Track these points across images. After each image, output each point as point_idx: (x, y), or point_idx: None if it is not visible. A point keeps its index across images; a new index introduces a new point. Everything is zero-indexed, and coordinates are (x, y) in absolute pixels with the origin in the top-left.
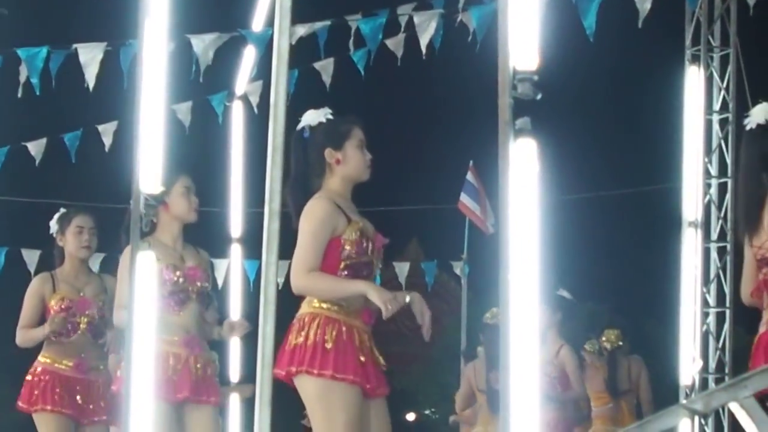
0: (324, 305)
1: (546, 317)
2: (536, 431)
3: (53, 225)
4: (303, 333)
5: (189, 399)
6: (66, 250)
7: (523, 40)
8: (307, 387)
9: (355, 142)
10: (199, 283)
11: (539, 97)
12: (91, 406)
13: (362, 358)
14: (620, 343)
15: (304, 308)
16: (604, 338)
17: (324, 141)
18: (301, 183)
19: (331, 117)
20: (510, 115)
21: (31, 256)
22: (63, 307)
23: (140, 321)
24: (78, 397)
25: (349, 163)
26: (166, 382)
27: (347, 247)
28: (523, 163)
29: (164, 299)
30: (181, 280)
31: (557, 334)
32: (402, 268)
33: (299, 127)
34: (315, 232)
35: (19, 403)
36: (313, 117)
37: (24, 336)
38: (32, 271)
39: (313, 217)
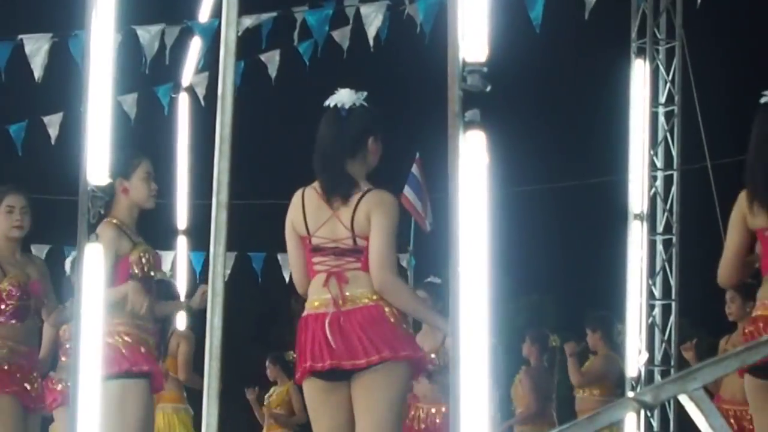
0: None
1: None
2: (486, 424)
3: None
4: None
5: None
6: None
7: (472, 32)
8: (399, 372)
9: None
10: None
11: (488, 89)
12: (37, 395)
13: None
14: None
15: (366, 299)
16: (618, 333)
17: (368, 127)
18: (337, 161)
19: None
20: (459, 107)
21: None
22: (17, 287)
23: (88, 314)
24: (27, 385)
25: (374, 157)
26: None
27: None
28: (473, 155)
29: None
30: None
31: None
32: None
33: (331, 104)
34: (395, 229)
35: None
36: (349, 97)
37: None
38: None
39: (393, 213)
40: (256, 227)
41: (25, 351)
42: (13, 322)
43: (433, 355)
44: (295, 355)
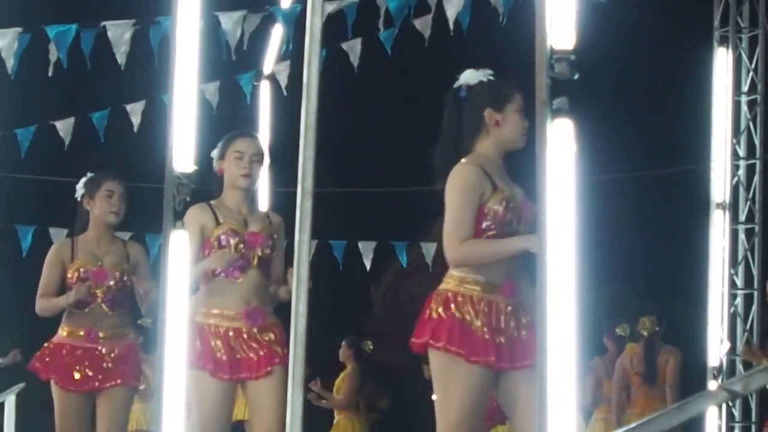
0: (466, 285)
1: None
2: (573, 412)
3: (80, 188)
4: (441, 308)
5: (249, 378)
6: (92, 215)
7: (560, 20)
8: (433, 360)
9: (515, 106)
10: (259, 250)
11: (576, 76)
12: (100, 376)
13: (486, 336)
14: (656, 329)
15: (444, 285)
16: (639, 325)
17: (484, 101)
18: (453, 144)
19: (491, 78)
20: (547, 95)
21: (58, 235)
22: (79, 278)
23: (174, 301)
24: (86, 366)
25: (507, 127)
26: (224, 362)
27: (490, 217)
28: (561, 144)
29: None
30: (240, 246)
31: None
32: (429, 249)
33: (456, 85)
34: (463, 200)
35: (35, 363)
36: (472, 76)
37: (43, 304)
38: None
39: (460, 184)
40: (338, 215)
41: (82, 336)
42: (80, 309)
43: None
44: (371, 347)
